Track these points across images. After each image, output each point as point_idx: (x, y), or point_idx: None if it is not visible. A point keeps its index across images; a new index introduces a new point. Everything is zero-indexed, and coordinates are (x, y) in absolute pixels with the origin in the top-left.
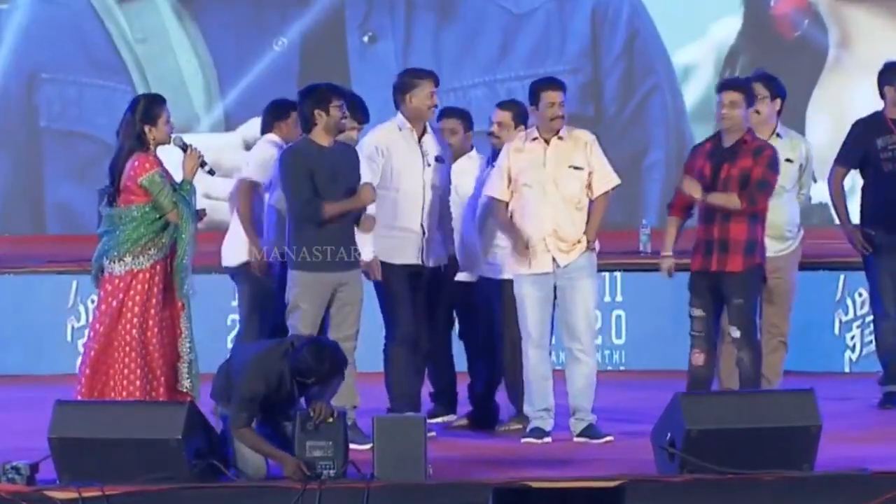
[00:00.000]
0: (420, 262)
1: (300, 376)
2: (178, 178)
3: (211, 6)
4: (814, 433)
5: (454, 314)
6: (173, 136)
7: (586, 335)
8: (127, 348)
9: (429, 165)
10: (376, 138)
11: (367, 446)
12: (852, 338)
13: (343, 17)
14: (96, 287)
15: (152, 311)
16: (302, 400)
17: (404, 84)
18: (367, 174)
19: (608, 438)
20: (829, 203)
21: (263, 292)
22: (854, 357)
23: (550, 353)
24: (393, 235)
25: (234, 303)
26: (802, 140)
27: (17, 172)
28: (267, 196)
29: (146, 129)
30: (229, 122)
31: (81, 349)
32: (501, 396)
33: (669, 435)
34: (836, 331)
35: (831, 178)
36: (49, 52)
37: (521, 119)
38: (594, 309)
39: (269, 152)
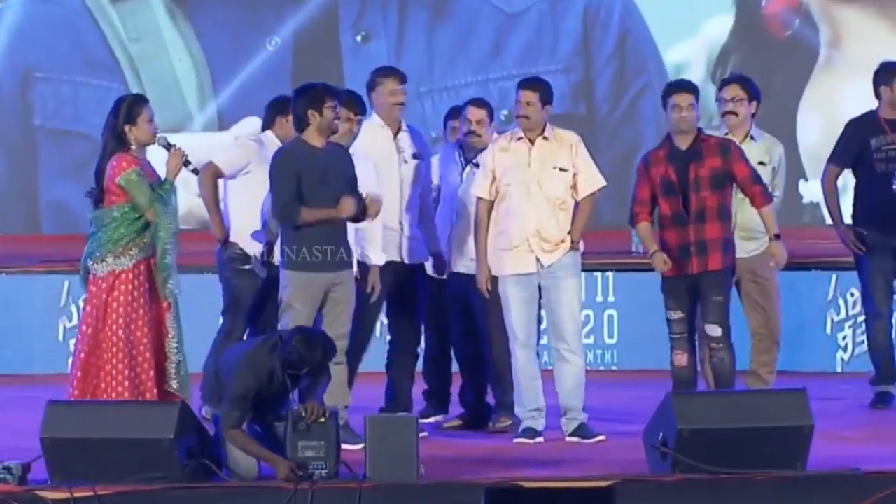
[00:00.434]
0: (399, 259)
1: (291, 368)
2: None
3: (204, 5)
4: (806, 433)
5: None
6: (158, 135)
7: (572, 334)
8: (114, 349)
9: (405, 162)
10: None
11: (359, 446)
12: (844, 338)
13: (336, 16)
14: (84, 289)
15: (141, 311)
16: (294, 398)
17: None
18: (370, 177)
19: (600, 438)
20: (820, 201)
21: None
22: (846, 357)
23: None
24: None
25: None
26: (776, 142)
27: (11, 171)
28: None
29: (126, 128)
30: (223, 122)
31: (73, 350)
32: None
33: (661, 434)
34: (828, 331)
35: (824, 177)
36: (43, 50)
37: (493, 117)
38: (580, 308)
39: (243, 147)
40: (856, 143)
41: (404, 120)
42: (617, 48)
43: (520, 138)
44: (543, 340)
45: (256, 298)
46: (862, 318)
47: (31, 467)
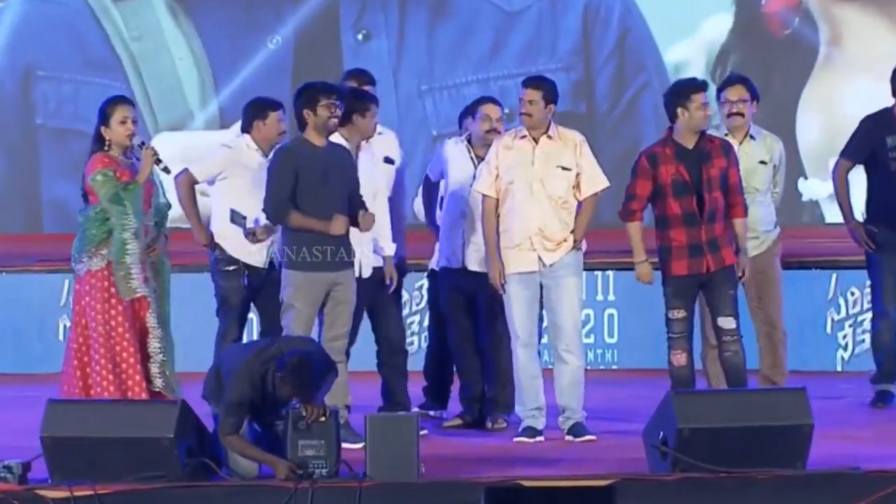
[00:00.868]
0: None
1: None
2: (167, 178)
3: (205, 4)
4: (806, 432)
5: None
6: (134, 137)
7: (571, 334)
8: (96, 345)
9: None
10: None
11: (360, 445)
12: (844, 336)
13: (337, 15)
14: None
15: (114, 312)
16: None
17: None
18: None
19: (590, 437)
20: (820, 199)
21: (226, 292)
22: (846, 356)
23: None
24: None
25: None
26: (776, 139)
27: (12, 170)
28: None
29: (102, 130)
30: (224, 120)
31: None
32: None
33: (662, 434)
34: (829, 329)
35: (836, 171)
36: (45, 49)
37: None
38: (580, 308)
39: (217, 155)
40: (870, 141)
41: (404, 119)
42: (617, 47)
43: (524, 136)
44: (544, 339)
45: (243, 300)
46: (862, 317)
47: (31, 466)
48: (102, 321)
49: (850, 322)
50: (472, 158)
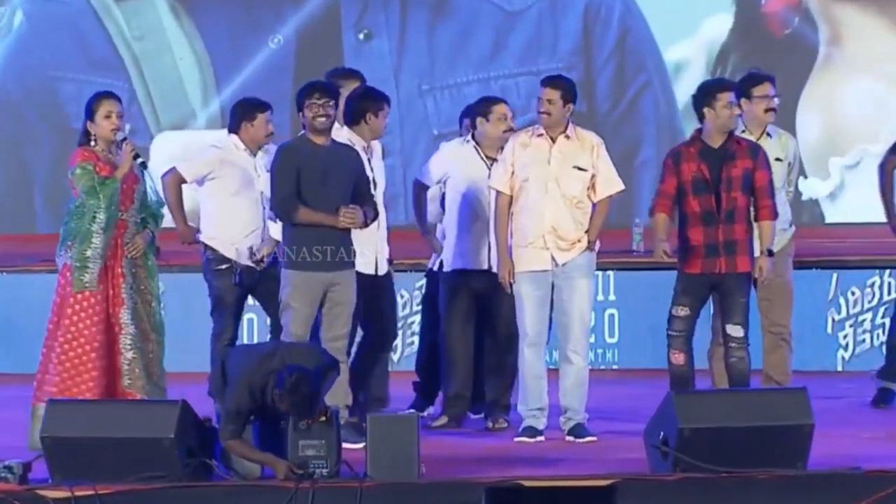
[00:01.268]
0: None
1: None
2: (156, 173)
3: (207, 4)
4: (807, 432)
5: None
6: (118, 133)
7: (579, 336)
8: (80, 340)
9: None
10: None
11: (360, 445)
12: (845, 336)
13: (338, 15)
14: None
15: (84, 305)
16: None
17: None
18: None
19: (590, 439)
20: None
21: (219, 291)
22: (847, 356)
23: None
24: None
25: None
26: (790, 137)
27: (12, 170)
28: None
29: (88, 124)
30: (225, 119)
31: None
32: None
33: (662, 434)
34: (829, 329)
35: (882, 168)
36: (47, 49)
37: None
38: (589, 310)
39: (205, 155)
40: None
41: (405, 119)
42: (617, 46)
43: (541, 135)
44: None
45: (237, 298)
46: (863, 317)
47: (31, 466)
48: (84, 317)
49: (850, 322)
50: (482, 159)
